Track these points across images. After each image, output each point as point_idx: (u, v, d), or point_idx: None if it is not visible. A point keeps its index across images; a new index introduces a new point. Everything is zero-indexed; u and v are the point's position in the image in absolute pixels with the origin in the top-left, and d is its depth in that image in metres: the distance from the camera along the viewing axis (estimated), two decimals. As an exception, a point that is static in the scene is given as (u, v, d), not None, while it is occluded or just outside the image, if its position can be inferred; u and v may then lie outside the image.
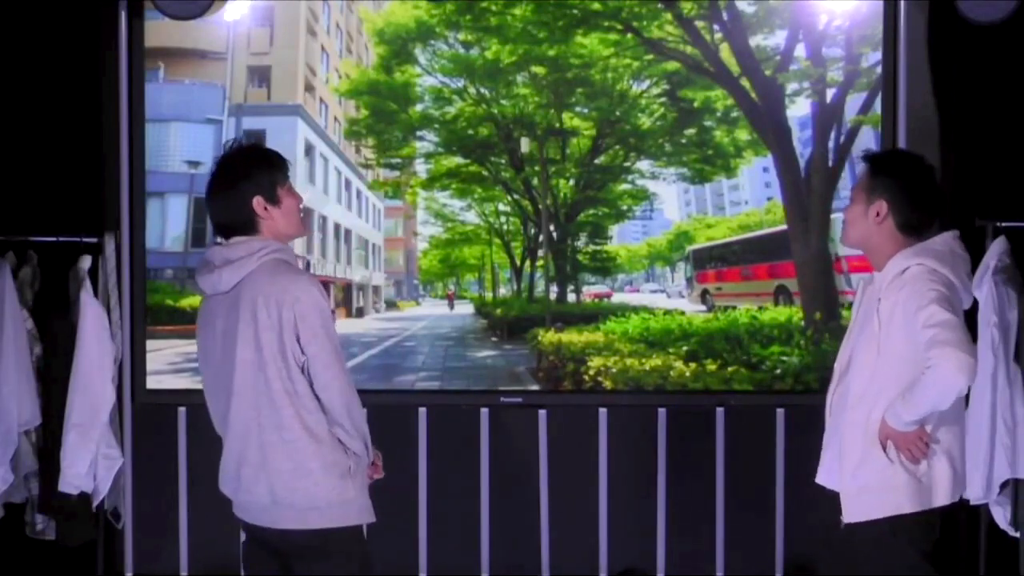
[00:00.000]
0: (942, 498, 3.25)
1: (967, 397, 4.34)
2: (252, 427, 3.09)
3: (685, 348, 4.86)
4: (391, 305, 5.11)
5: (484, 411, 4.84)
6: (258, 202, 3.13)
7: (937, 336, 3.06)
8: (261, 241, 3.13)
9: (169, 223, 4.95)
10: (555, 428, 4.86)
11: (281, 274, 3.08)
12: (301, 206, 3.24)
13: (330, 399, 3.08)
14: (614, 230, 5.09)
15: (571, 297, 5.01)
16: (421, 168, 5.01)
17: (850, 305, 4.80)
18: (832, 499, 3.36)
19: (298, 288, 3.06)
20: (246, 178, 3.14)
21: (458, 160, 4.98)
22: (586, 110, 4.96)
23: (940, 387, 3.08)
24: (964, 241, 3.34)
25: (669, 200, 5.06)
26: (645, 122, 4.95)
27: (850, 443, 3.27)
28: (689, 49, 4.87)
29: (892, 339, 3.21)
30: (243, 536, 3.31)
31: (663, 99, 4.93)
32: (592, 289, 5.06)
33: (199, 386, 3.30)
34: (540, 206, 4.96)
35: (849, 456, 3.28)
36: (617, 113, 4.93)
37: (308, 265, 3.25)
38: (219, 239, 3.21)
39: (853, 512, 3.27)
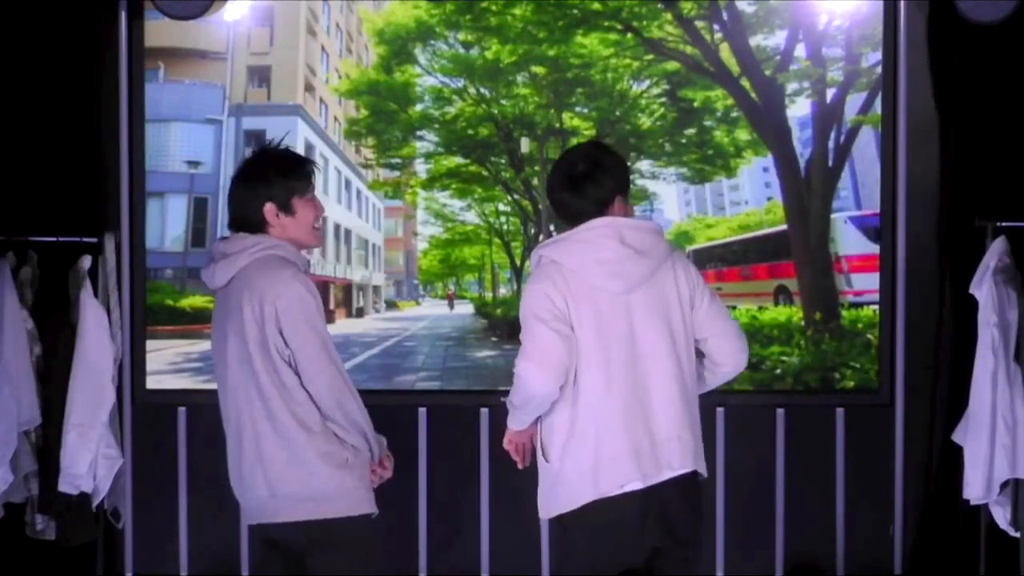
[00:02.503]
0: (587, 495, 3.13)
1: (967, 397, 4.37)
2: (246, 420, 3.11)
3: (685, 348, 4.85)
4: (391, 305, 5.11)
5: (484, 411, 4.83)
6: (270, 209, 3.16)
7: (524, 348, 3.08)
8: (257, 237, 3.15)
9: (169, 223, 4.95)
10: (555, 428, 4.85)
11: (269, 269, 3.10)
12: (320, 218, 3.26)
13: (317, 392, 3.08)
14: (614, 230, 5.08)
15: (571, 297, 5.00)
16: (421, 168, 5.01)
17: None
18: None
19: (281, 282, 3.07)
20: (263, 182, 3.16)
21: (458, 160, 4.98)
22: (586, 110, 4.96)
23: (522, 396, 3.10)
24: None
25: (669, 200, 5.06)
26: (645, 122, 4.95)
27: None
28: (689, 49, 4.87)
29: None
30: (246, 543, 3.29)
31: (663, 99, 4.93)
32: (592, 289, 5.05)
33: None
34: (540, 206, 4.96)
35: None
36: (617, 113, 4.93)
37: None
38: (227, 233, 3.24)
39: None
